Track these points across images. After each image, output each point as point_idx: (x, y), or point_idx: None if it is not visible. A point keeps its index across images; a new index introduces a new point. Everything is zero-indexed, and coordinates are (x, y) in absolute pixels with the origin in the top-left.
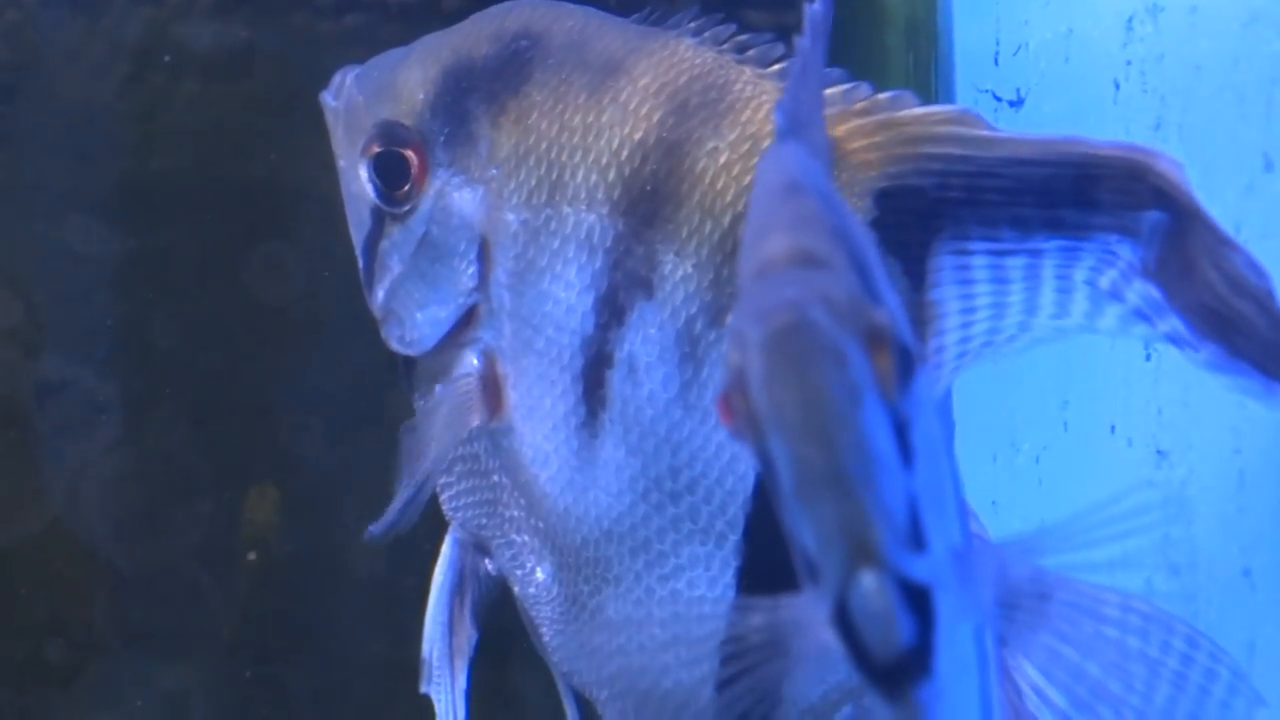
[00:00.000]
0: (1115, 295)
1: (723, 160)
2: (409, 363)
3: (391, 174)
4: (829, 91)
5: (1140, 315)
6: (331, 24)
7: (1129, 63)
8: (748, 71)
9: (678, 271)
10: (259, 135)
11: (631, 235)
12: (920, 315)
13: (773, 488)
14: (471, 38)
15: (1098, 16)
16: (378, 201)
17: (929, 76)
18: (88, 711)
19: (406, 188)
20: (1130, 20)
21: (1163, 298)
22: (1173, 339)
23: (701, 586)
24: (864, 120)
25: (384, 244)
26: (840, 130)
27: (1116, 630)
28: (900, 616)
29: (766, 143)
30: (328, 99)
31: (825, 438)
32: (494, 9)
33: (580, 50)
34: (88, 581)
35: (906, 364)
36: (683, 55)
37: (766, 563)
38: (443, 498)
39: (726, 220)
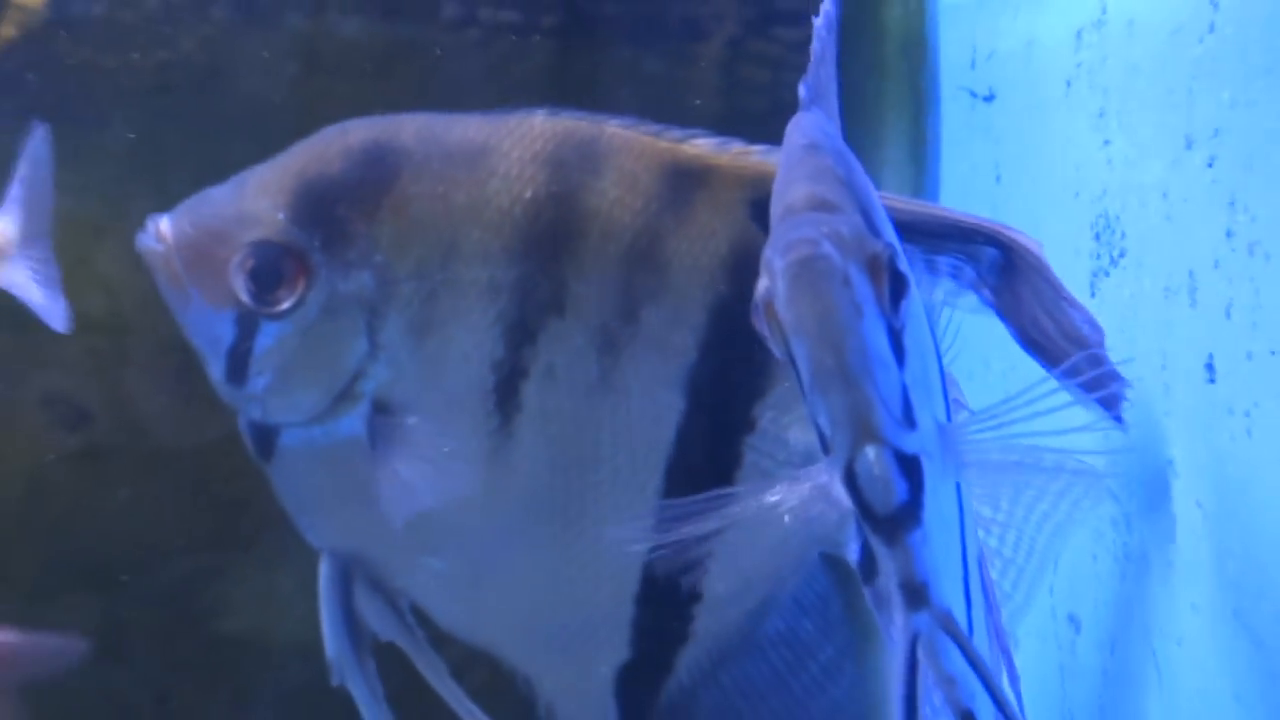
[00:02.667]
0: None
1: (612, 196)
2: (266, 432)
3: (268, 282)
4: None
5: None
6: (454, 36)
7: (1078, 65)
8: (608, 129)
9: (587, 290)
10: None
11: (536, 273)
12: None
13: (797, 383)
14: (316, 160)
15: (1053, 28)
16: (254, 307)
17: (919, 78)
18: (266, 572)
19: (284, 290)
20: (1079, 32)
21: (996, 312)
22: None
23: (618, 508)
24: (742, 152)
25: (259, 342)
26: (718, 157)
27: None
28: (895, 480)
29: (644, 179)
30: (148, 242)
31: (835, 342)
32: (325, 133)
33: (439, 144)
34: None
35: (899, 284)
36: (542, 126)
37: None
38: (316, 531)
39: (626, 239)
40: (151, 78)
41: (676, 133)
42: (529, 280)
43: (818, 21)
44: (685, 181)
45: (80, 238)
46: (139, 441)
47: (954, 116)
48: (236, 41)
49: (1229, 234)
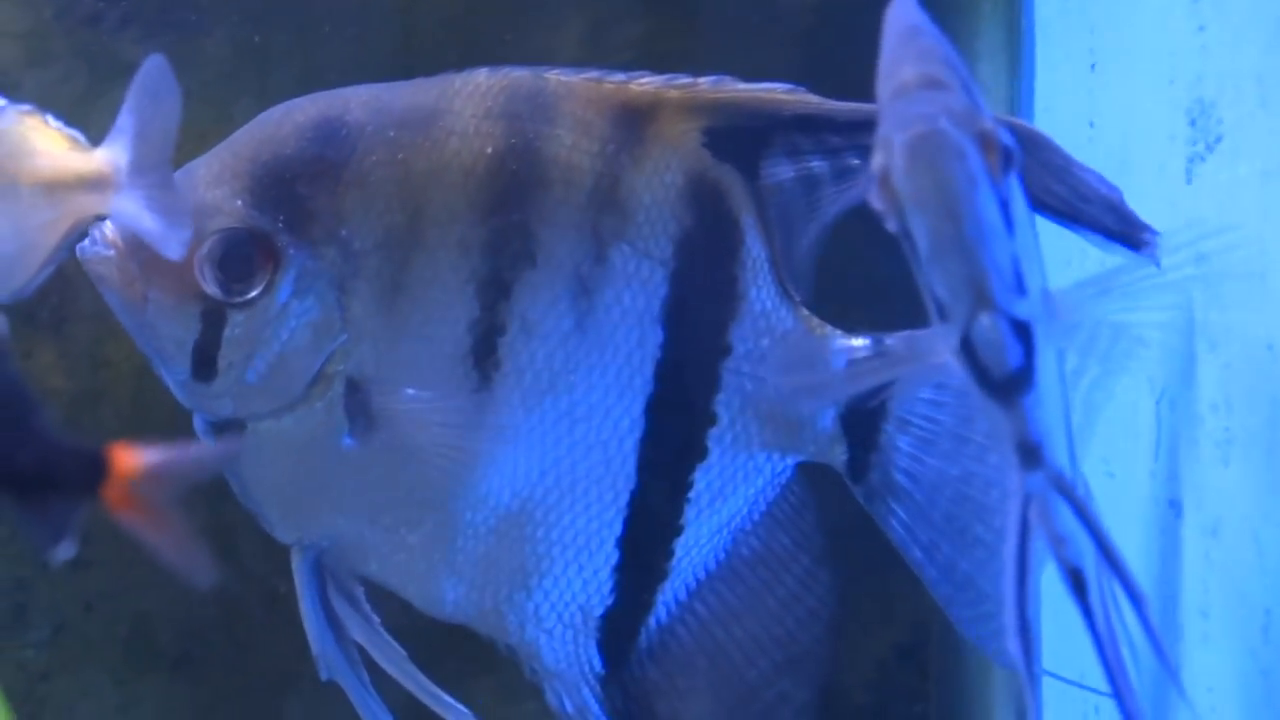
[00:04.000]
0: None
1: (569, 142)
2: (229, 428)
3: (237, 271)
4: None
5: None
6: None
7: None
8: (553, 78)
9: (557, 237)
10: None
11: (505, 227)
12: (759, 200)
13: (912, 254)
14: (267, 142)
15: None
16: (222, 298)
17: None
18: None
19: (253, 277)
20: None
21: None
22: None
23: (597, 464)
24: (686, 86)
25: (228, 333)
26: (664, 94)
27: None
28: (1010, 344)
29: (597, 122)
30: (92, 249)
31: (954, 213)
32: (267, 115)
33: (389, 112)
34: None
35: (1008, 158)
36: (489, 83)
37: (666, 427)
38: (286, 525)
39: (588, 183)
40: None
41: (620, 75)
42: (498, 235)
43: None
44: (636, 120)
45: (186, 142)
46: None
47: (1048, 4)
48: None
49: None
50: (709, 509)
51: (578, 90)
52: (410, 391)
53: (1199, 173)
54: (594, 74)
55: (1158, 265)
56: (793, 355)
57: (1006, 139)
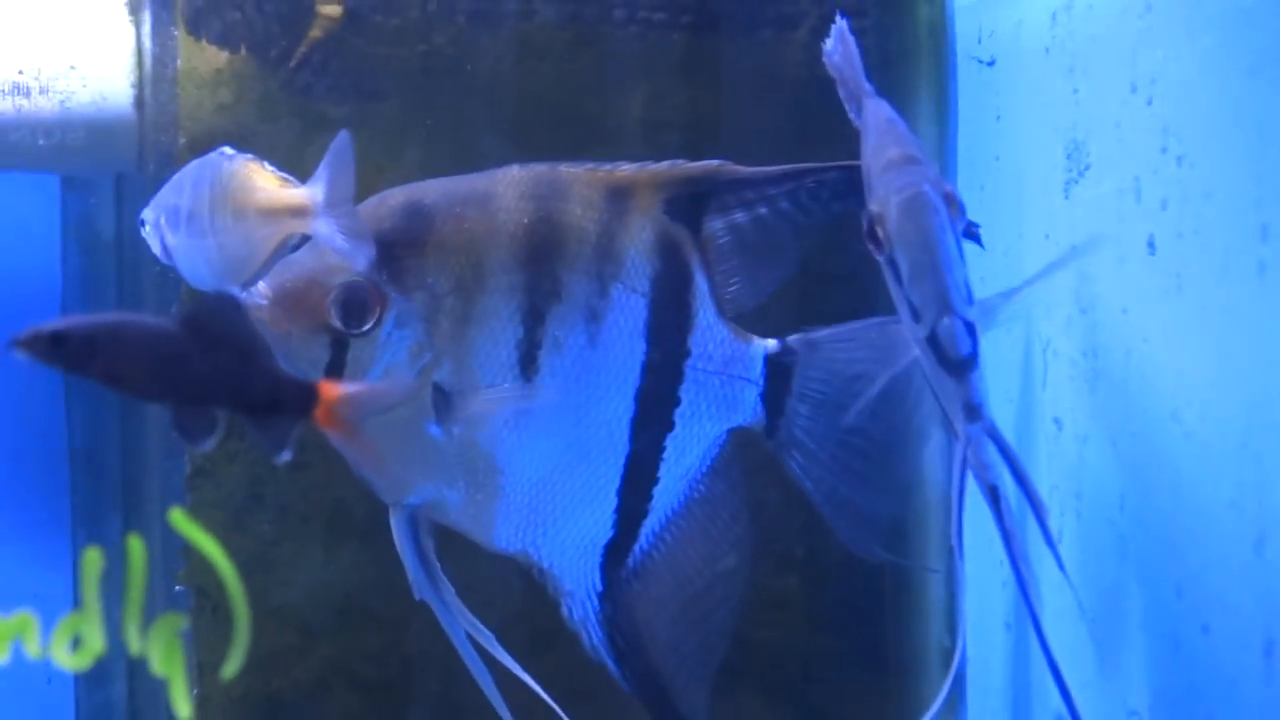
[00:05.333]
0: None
1: (578, 214)
2: None
3: (356, 311)
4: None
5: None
6: (621, 30)
7: (1054, 37)
8: (562, 169)
9: (574, 280)
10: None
11: (539, 273)
12: (704, 245)
13: (892, 276)
14: (372, 219)
15: (1036, 12)
16: (344, 331)
17: (941, 52)
18: None
19: (366, 315)
20: (1054, 14)
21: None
22: None
23: (605, 436)
24: (652, 170)
25: (350, 356)
26: (638, 176)
27: None
28: (962, 338)
29: (596, 199)
30: (251, 298)
31: (930, 248)
32: (370, 200)
33: (455, 196)
34: None
35: (961, 207)
36: (521, 174)
37: (648, 409)
38: (391, 491)
39: (593, 241)
40: (417, 63)
41: (607, 166)
42: (533, 280)
43: (830, 45)
44: (621, 196)
45: (369, 174)
46: None
47: (967, 78)
48: (473, 35)
49: (1163, 150)
50: (675, 465)
51: (581, 177)
52: (477, 392)
53: (1074, 191)
54: (590, 165)
55: (980, 245)
56: (729, 353)
57: (959, 197)
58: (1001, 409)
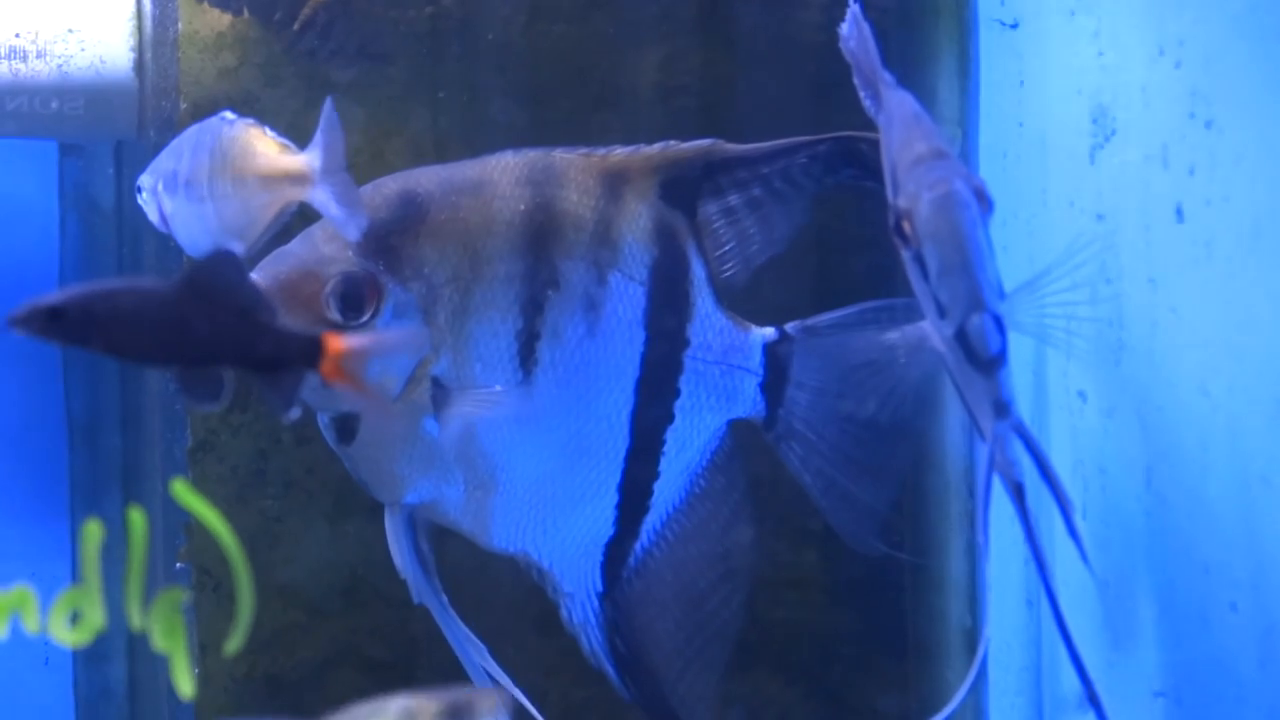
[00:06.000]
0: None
1: (574, 200)
2: (348, 420)
3: (353, 302)
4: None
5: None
6: None
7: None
8: (555, 154)
9: (571, 268)
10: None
11: (536, 261)
12: (700, 231)
13: (920, 274)
14: (367, 209)
15: None
16: (342, 323)
17: (964, 15)
18: None
19: (364, 307)
20: None
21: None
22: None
23: (604, 430)
24: (646, 153)
25: None
26: (632, 161)
27: None
28: (992, 335)
29: (591, 184)
30: None
31: (961, 245)
32: (363, 190)
33: (449, 184)
34: None
35: (990, 203)
36: (515, 160)
37: (648, 401)
38: (387, 490)
39: (589, 228)
40: (424, 25)
41: (601, 150)
42: (531, 269)
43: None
44: (615, 180)
45: (375, 140)
46: None
47: (989, 41)
48: None
49: (1191, 115)
50: (676, 460)
51: (575, 162)
52: (476, 385)
53: (1099, 157)
54: (584, 150)
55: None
56: (728, 343)
57: (988, 192)
58: (1023, 381)
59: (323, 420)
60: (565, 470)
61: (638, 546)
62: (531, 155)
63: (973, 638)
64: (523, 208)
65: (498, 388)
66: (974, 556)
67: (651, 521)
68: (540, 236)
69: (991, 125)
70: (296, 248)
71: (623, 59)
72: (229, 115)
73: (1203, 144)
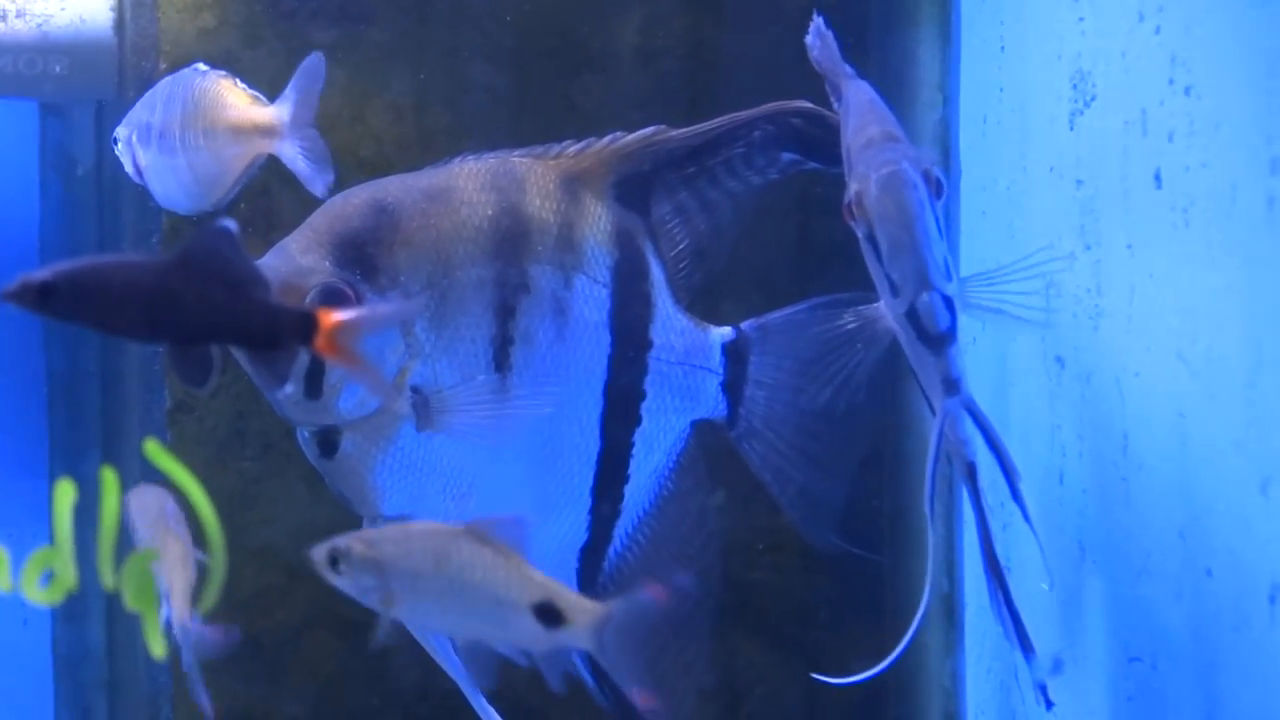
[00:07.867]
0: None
1: (537, 203)
2: (329, 434)
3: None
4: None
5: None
6: None
7: None
8: (514, 159)
9: (539, 272)
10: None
11: (506, 267)
12: (655, 231)
13: (871, 251)
14: (337, 220)
15: None
16: None
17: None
18: None
19: None
20: None
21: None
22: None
23: (576, 434)
24: (597, 150)
25: (329, 360)
26: (586, 160)
27: None
28: (941, 312)
29: (551, 188)
30: None
31: (908, 225)
32: (333, 201)
33: (417, 191)
34: None
35: (939, 186)
36: (477, 166)
37: (616, 403)
38: (368, 503)
39: (554, 232)
40: None
41: (555, 147)
42: (501, 273)
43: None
44: (572, 182)
45: (355, 101)
46: None
47: (970, 6)
48: None
49: (1170, 81)
50: (644, 462)
51: (534, 166)
52: (453, 389)
53: (1079, 123)
54: (539, 149)
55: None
56: (688, 343)
57: (940, 174)
58: (1001, 347)
59: (303, 435)
60: (539, 476)
61: (611, 551)
62: (489, 161)
63: (950, 603)
64: (490, 213)
65: (480, 378)
66: (952, 523)
67: (624, 525)
68: (508, 241)
69: (972, 90)
70: (272, 261)
71: (605, 22)
72: (201, 66)
73: (1182, 110)
